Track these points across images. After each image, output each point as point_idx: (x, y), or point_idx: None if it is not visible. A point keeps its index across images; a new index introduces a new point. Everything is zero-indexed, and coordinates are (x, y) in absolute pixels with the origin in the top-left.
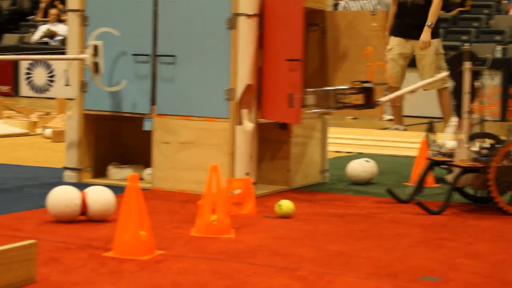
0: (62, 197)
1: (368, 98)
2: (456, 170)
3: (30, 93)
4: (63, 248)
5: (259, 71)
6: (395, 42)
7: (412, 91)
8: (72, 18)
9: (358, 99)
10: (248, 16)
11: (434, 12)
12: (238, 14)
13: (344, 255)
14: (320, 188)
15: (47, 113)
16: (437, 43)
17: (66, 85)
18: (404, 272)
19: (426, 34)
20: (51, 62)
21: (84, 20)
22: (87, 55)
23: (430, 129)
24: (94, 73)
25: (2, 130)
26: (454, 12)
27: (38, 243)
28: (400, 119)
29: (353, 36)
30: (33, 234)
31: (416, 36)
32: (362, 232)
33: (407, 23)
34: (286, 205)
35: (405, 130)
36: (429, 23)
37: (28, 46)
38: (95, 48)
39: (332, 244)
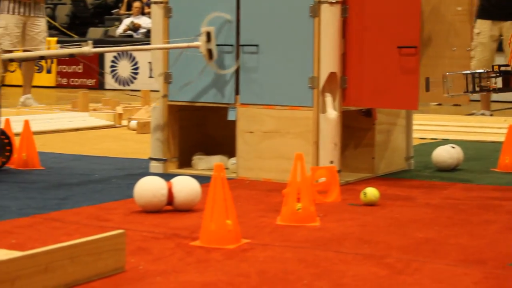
0: (149, 188)
1: (507, 82)
2: None
3: (115, 85)
4: (150, 237)
5: (343, 58)
6: (483, 25)
7: None
8: (156, 10)
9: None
10: (331, 3)
11: None
12: (321, 2)
13: (431, 242)
14: (405, 175)
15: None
16: None
17: (150, 77)
18: (493, 258)
19: None
20: (135, 54)
21: (168, 12)
22: (200, 43)
23: None
24: (208, 59)
25: (89, 123)
26: None
27: (126, 233)
28: (487, 104)
29: (437, 21)
30: (121, 224)
31: (504, 17)
32: (449, 218)
33: (493, 4)
34: (371, 192)
35: (491, 115)
36: None
37: (112, 39)
38: (208, 34)
39: (419, 231)
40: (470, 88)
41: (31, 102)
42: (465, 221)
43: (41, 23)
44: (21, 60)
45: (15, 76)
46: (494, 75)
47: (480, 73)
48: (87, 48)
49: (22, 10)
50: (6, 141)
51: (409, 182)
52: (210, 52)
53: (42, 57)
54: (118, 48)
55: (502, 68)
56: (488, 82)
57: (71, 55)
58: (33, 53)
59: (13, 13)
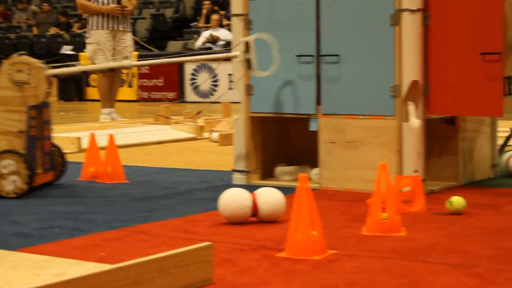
0: (233, 199)
1: None
2: None
3: (195, 98)
4: (236, 249)
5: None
6: None
7: None
8: (236, 23)
9: None
10: (412, 11)
11: None
12: (401, 10)
13: None
14: (490, 183)
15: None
16: None
17: (230, 88)
18: None
19: None
20: (214, 67)
21: (248, 24)
22: (238, 52)
23: None
24: (247, 69)
25: (171, 136)
26: None
27: (213, 244)
28: None
29: None
30: (207, 236)
31: None
32: None
33: None
34: (457, 201)
35: None
36: None
37: (191, 52)
38: (247, 44)
39: (507, 240)
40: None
41: (115, 116)
42: None
43: (128, 38)
44: (64, 76)
45: (97, 91)
46: None
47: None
48: (127, 62)
49: (110, 24)
50: (59, 154)
51: (495, 190)
52: (248, 61)
53: (84, 72)
54: (160, 61)
55: None
56: None
57: (112, 69)
58: (76, 68)
59: (102, 28)
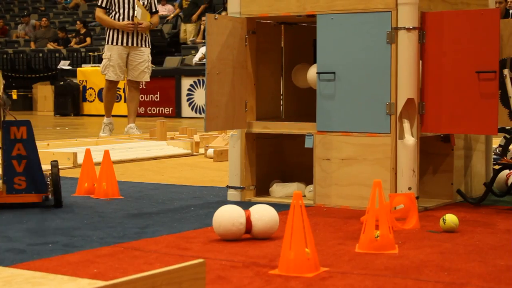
0: (227, 216)
1: None
2: None
3: (192, 114)
4: (229, 266)
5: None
6: None
7: None
8: None
9: None
10: (408, 29)
11: None
12: (397, 28)
13: None
14: (485, 201)
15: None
16: None
17: None
18: None
19: None
20: None
21: (244, 41)
22: None
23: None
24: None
25: (166, 151)
26: None
27: (206, 261)
28: None
29: None
30: (200, 253)
31: None
32: None
33: None
34: (450, 219)
35: None
36: None
37: (189, 67)
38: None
39: (500, 259)
40: None
41: (134, 131)
42: None
43: (144, 53)
44: None
45: (94, 106)
46: None
47: None
48: None
49: (125, 40)
50: None
51: (489, 208)
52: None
53: None
54: None
55: None
56: None
57: None
58: None
59: (116, 43)
